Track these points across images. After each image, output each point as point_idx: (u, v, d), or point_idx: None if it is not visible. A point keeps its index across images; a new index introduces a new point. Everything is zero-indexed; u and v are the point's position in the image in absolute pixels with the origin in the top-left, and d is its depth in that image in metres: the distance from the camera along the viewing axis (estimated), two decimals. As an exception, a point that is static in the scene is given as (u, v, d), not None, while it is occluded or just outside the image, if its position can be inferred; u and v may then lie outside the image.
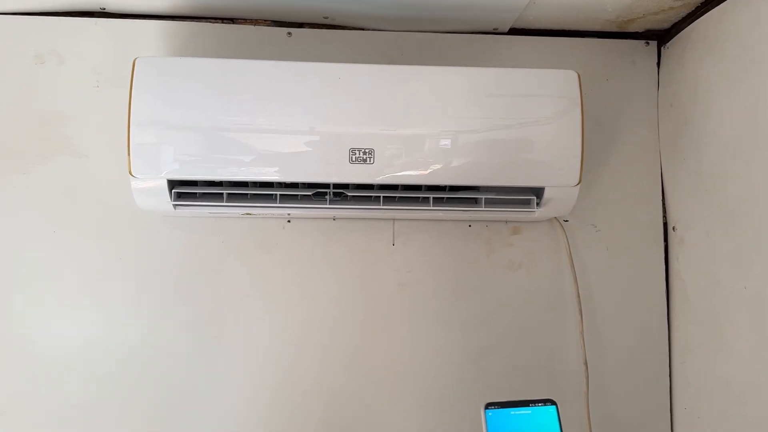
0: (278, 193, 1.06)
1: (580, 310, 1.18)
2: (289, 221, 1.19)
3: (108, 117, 1.15)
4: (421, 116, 1.04)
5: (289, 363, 1.16)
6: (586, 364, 1.17)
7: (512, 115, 1.05)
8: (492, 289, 1.20)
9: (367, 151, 1.02)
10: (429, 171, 1.04)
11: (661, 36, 1.26)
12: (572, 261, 1.20)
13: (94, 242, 1.15)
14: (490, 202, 1.09)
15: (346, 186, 1.07)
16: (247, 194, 1.07)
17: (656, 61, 1.27)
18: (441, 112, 1.04)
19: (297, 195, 1.07)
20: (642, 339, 1.21)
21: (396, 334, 1.18)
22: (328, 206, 1.08)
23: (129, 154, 0.99)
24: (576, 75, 1.06)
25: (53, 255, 1.14)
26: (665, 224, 1.24)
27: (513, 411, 0.61)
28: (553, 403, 0.62)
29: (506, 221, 1.22)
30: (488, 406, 0.62)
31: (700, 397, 1.12)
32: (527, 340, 1.19)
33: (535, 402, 0.62)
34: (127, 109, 0.99)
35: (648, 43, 1.27)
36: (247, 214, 1.13)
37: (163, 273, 1.16)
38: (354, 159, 1.02)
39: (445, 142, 1.04)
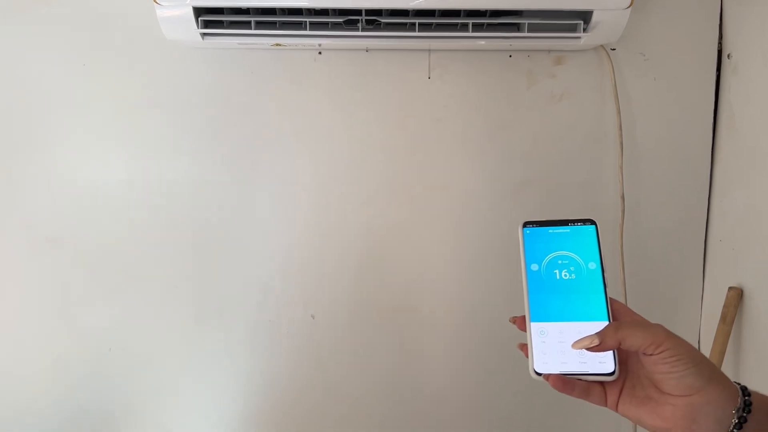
0: (308, 20, 1.01)
1: (621, 142, 1.15)
2: (320, 53, 1.15)
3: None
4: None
5: (324, 196, 1.18)
6: (623, 197, 1.16)
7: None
8: (531, 122, 1.17)
9: (401, -30, 0.94)
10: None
11: None
12: (616, 92, 1.15)
13: (125, 75, 1.13)
14: (533, 28, 1.02)
15: (379, 12, 1.01)
16: (275, 22, 1.02)
17: None
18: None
19: (328, 23, 1.02)
20: (683, 172, 1.19)
21: (432, 168, 1.18)
22: (360, 33, 1.02)
23: (151, -21, 0.94)
24: None
25: (85, 88, 1.14)
26: (719, 52, 1.16)
27: (551, 229, 0.61)
28: (592, 222, 0.61)
29: (549, 50, 1.15)
30: (526, 224, 0.61)
31: (737, 229, 1.12)
32: (565, 174, 1.18)
33: (574, 222, 0.61)
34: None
35: None
36: (277, 45, 1.09)
37: (194, 107, 1.15)
38: (387, -21, 0.95)
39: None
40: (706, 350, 1.15)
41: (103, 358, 1.21)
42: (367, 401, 1.24)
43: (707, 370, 0.49)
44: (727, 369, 1.10)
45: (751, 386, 0.51)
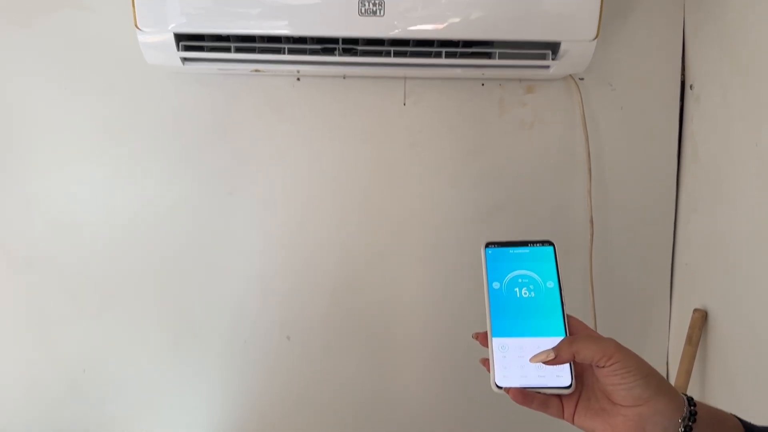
0: (286, 46, 1.04)
1: (590, 169, 1.19)
2: (298, 79, 1.18)
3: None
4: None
5: (301, 218, 1.20)
6: (591, 221, 1.20)
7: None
8: (502, 148, 1.21)
9: (377, 2, 0.98)
10: (442, 24, 1.01)
11: None
12: (585, 120, 1.19)
13: (105, 98, 1.15)
14: (504, 56, 1.06)
15: (355, 41, 1.04)
16: (255, 48, 1.05)
17: None
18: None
19: (306, 49, 1.05)
20: (649, 198, 1.23)
21: (406, 192, 1.21)
22: (337, 59, 1.05)
23: (133, 6, 0.97)
24: None
25: (66, 111, 1.15)
26: (683, 83, 1.21)
27: (512, 250, 0.63)
28: (551, 243, 0.64)
29: (520, 80, 1.20)
30: (488, 245, 0.64)
31: (701, 253, 1.16)
32: (535, 199, 1.21)
33: (533, 243, 0.64)
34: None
35: None
36: (256, 70, 1.12)
37: (174, 130, 1.17)
38: (363, 11, 0.98)
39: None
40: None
41: (79, 379, 1.21)
42: (343, 423, 1.25)
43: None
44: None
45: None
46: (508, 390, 0.57)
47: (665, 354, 1.25)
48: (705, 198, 1.15)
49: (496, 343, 0.60)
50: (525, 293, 0.62)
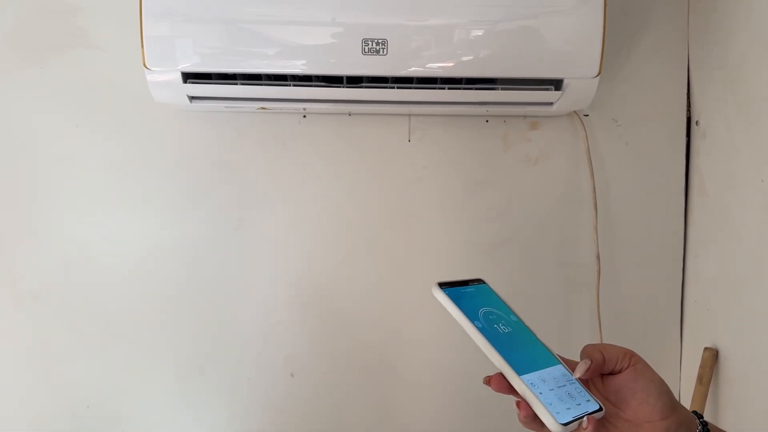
0: (292, 84, 1.05)
1: (595, 204, 1.19)
2: (304, 116, 1.19)
3: (123, 8, 1.14)
4: (438, 5, 1.01)
5: (306, 254, 1.20)
6: (598, 257, 1.18)
7: (532, 4, 1.01)
8: (507, 183, 1.21)
9: (380, 41, 1.00)
10: (446, 63, 1.02)
11: None
12: (590, 156, 1.19)
13: (114, 135, 1.17)
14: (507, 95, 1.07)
15: (359, 79, 1.05)
16: (261, 85, 1.06)
17: (691, -57, 1.19)
18: (459, 1, 1.01)
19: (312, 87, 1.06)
20: (657, 234, 1.22)
21: (411, 227, 1.20)
22: (342, 98, 1.07)
23: (142, 46, 0.99)
24: (601, -41, 1.00)
25: (74, 147, 1.17)
26: (689, 119, 1.21)
27: (463, 289, 0.63)
28: (483, 281, 0.64)
29: (524, 116, 1.20)
30: (441, 285, 0.63)
31: (711, 291, 1.14)
32: (541, 234, 1.21)
33: (470, 281, 0.64)
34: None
35: (683, -76, 1.19)
36: (263, 108, 1.14)
37: (181, 167, 1.18)
38: (366, 50, 1.00)
39: (463, 33, 1.01)
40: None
41: (82, 415, 1.20)
42: (346, 462, 1.23)
43: (671, 394, 0.52)
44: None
45: None
46: (580, 422, 0.54)
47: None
48: (713, 234, 1.13)
49: (527, 381, 0.55)
50: (504, 329, 0.60)
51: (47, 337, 1.19)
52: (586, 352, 0.55)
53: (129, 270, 1.19)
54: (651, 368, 0.54)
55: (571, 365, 0.57)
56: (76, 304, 1.19)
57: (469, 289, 0.63)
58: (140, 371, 1.20)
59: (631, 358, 0.53)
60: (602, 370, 0.56)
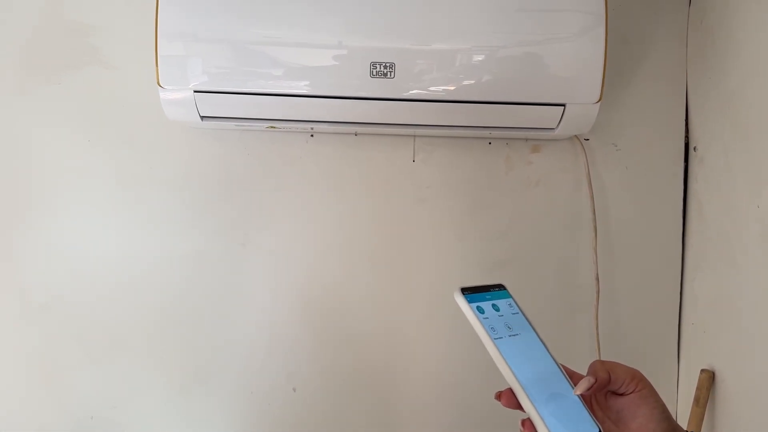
0: (299, 96, 1.08)
1: (595, 226, 1.21)
2: (312, 135, 1.22)
3: (136, 28, 1.18)
4: (444, 31, 1.04)
5: (310, 271, 1.22)
6: (597, 278, 1.21)
7: (535, 31, 1.04)
8: (509, 204, 1.23)
9: (387, 65, 1.03)
10: (450, 87, 1.05)
11: (697, -52, 1.22)
12: (590, 179, 1.22)
13: (125, 151, 1.20)
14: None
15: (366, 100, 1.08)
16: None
17: (690, -25, 1.23)
18: (464, 28, 1.04)
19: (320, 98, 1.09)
20: (655, 257, 1.24)
21: (414, 245, 1.23)
22: (350, 120, 1.10)
23: (157, 66, 1.02)
24: (602, -11, 1.04)
25: (88, 162, 1.20)
26: (687, 144, 1.24)
27: (483, 295, 0.65)
28: (503, 287, 0.66)
29: (526, 139, 1.23)
30: (464, 291, 0.65)
31: (707, 313, 1.16)
32: (541, 254, 1.23)
33: (490, 287, 0.66)
34: (155, 20, 1.01)
35: (682, -44, 1.23)
36: (272, 127, 1.16)
37: (190, 183, 1.21)
38: (374, 73, 1.03)
39: (468, 58, 1.04)
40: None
41: (86, 426, 1.22)
42: (345, 478, 1.24)
43: (672, 420, 0.53)
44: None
45: None
46: None
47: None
48: (710, 257, 1.16)
49: (534, 400, 0.56)
50: (518, 341, 0.61)
51: (53, 348, 1.21)
52: (593, 369, 0.56)
53: (135, 283, 1.21)
54: (656, 394, 0.55)
55: (576, 378, 0.58)
56: (82, 315, 1.21)
57: (489, 295, 0.64)
58: (144, 383, 1.22)
59: (639, 383, 0.54)
60: (607, 389, 0.57)
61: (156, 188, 1.21)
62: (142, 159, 1.20)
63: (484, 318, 0.62)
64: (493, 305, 0.64)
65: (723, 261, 1.10)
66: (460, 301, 0.63)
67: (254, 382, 1.23)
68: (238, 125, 1.16)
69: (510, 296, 0.66)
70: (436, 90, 1.05)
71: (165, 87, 1.05)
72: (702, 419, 1.10)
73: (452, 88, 1.05)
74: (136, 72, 1.19)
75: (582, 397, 0.57)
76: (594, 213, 1.21)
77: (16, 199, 1.20)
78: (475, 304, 0.63)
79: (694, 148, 1.22)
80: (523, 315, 0.64)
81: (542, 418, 0.55)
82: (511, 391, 0.58)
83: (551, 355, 0.61)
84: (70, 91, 1.19)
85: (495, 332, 0.61)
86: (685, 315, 1.23)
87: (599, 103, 1.07)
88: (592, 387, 0.55)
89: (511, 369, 0.59)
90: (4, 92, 1.19)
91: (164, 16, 1.02)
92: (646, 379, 0.55)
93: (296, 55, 1.04)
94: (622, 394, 0.55)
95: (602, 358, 1.17)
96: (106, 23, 1.19)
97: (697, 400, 1.11)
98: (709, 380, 1.11)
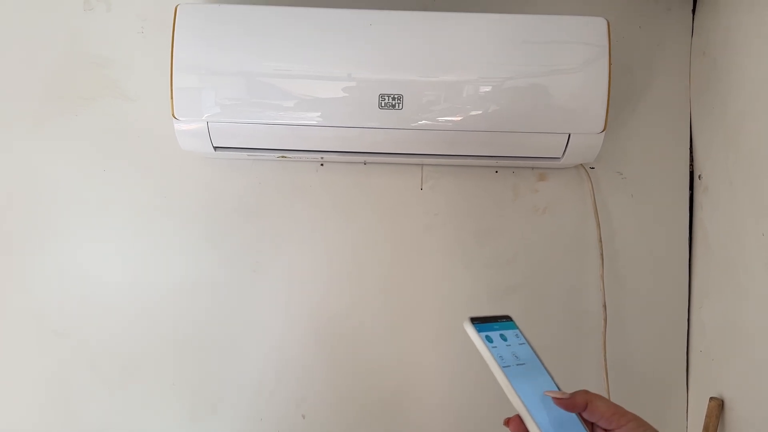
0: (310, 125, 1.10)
1: (602, 254, 1.22)
2: (322, 164, 1.25)
3: (152, 61, 1.22)
4: (451, 63, 1.07)
5: (320, 298, 1.24)
6: (605, 306, 1.21)
7: (540, 62, 1.06)
8: (516, 232, 1.25)
9: (396, 96, 1.05)
10: (457, 117, 1.08)
11: (698, -19, 1.24)
12: (596, 207, 1.23)
13: (141, 181, 1.23)
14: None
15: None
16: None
17: (692, 7, 1.25)
18: (471, 60, 1.07)
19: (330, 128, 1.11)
20: (662, 284, 1.25)
21: (423, 272, 1.24)
22: (359, 150, 1.12)
23: (172, 98, 1.05)
24: (605, 22, 1.06)
25: (100, 191, 1.23)
26: (691, 173, 1.25)
27: (491, 325, 0.67)
28: (509, 318, 0.68)
29: (533, 168, 1.25)
30: (474, 320, 0.67)
31: (715, 341, 1.16)
32: (548, 282, 1.24)
33: (496, 318, 0.68)
34: (170, 54, 1.04)
35: (684, -11, 1.25)
36: (283, 157, 1.19)
37: (204, 211, 1.23)
38: (383, 104, 1.06)
39: (475, 90, 1.07)
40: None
41: (95, 452, 1.23)
42: (354, 506, 1.24)
43: None
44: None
45: None
46: None
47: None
48: (717, 285, 1.16)
49: (542, 428, 0.59)
50: (524, 369, 0.64)
51: (67, 375, 1.23)
52: (576, 393, 0.59)
53: (148, 311, 1.23)
54: (644, 426, 0.56)
55: (562, 403, 0.60)
56: (96, 343, 1.23)
57: (497, 325, 0.67)
58: (156, 409, 1.23)
59: (621, 418, 0.56)
60: (585, 418, 0.59)
61: (170, 217, 1.23)
62: (157, 189, 1.23)
63: (493, 347, 0.65)
64: (501, 335, 0.66)
65: (730, 288, 1.11)
66: (470, 330, 0.66)
67: (264, 409, 1.24)
68: (250, 155, 1.19)
69: (517, 327, 0.68)
70: (444, 120, 1.08)
71: (179, 118, 1.08)
72: (712, 448, 1.10)
73: (459, 118, 1.08)
74: (152, 104, 1.22)
75: (585, 424, 0.59)
76: (600, 240, 1.23)
77: (33, 228, 1.23)
78: (484, 334, 0.66)
79: (699, 177, 1.23)
80: (530, 345, 0.66)
81: None
82: (519, 417, 0.61)
83: (556, 384, 0.64)
84: (87, 122, 1.23)
85: (503, 360, 0.64)
86: (693, 342, 1.24)
87: (604, 132, 1.09)
88: (561, 399, 0.57)
89: (519, 396, 0.61)
90: (23, 123, 1.23)
91: (179, 50, 1.05)
92: (632, 414, 0.56)
93: (307, 87, 1.07)
94: (611, 431, 0.57)
95: (610, 386, 1.18)
96: (123, 56, 1.23)
97: (706, 428, 1.11)
98: (718, 408, 1.11)
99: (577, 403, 0.57)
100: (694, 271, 1.24)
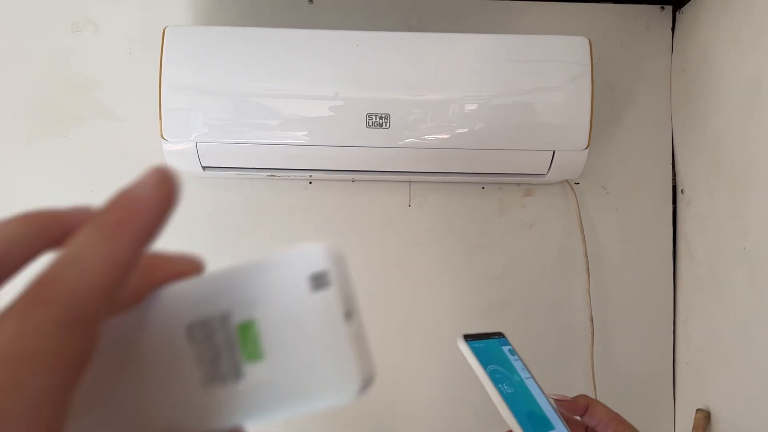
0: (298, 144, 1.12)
1: (588, 268, 1.24)
2: (310, 182, 1.26)
3: (140, 82, 1.22)
4: (437, 82, 1.08)
5: (310, 315, 1.24)
6: (591, 319, 1.23)
7: (524, 81, 1.08)
8: (503, 247, 1.26)
9: (383, 116, 1.07)
10: (444, 135, 1.09)
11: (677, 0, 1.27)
12: (581, 222, 1.25)
13: (130, 201, 1.23)
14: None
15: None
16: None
17: (671, 25, 1.28)
18: (457, 79, 1.09)
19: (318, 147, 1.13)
20: (647, 297, 1.26)
21: (411, 288, 1.25)
22: (346, 168, 1.14)
23: (160, 118, 1.06)
24: (587, 41, 1.09)
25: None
26: (674, 187, 1.28)
27: (484, 342, 0.68)
28: (502, 335, 0.69)
29: (518, 184, 1.27)
30: (467, 337, 0.68)
31: (701, 353, 1.18)
32: (536, 296, 1.25)
33: (490, 335, 0.69)
34: (158, 75, 1.05)
35: (663, 8, 1.28)
36: (271, 175, 1.20)
37: (193, 229, 1.23)
38: (370, 123, 1.07)
39: (461, 108, 1.09)
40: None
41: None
42: None
43: None
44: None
45: None
46: None
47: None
48: (701, 297, 1.18)
49: None
50: (517, 386, 0.65)
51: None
52: (577, 396, 0.60)
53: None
54: None
55: (569, 421, 0.61)
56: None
57: (491, 342, 0.68)
58: None
59: (618, 425, 0.57)
60: (585, 423, 0.60)
61: (159, 237, 1.23)
62: (145, 208, 1.23)
63: (486, 363, 0.65)
64: (494, 351, 0.67)
65: (714, 301, 1.13)
66: (463, 347, 0.67)
67: (252, 428, 1.23)
68: (238, 174, 1.20)
69: (509, 343, 0.69)
70: (431, 138, 1.09)
71: (168, 139, 1.09)
72: (699, 459, 1.11)
73: (446, 136, 1.09)
74: (140, 124, 1.23)
75: None
76: (586, 255, 1.24)
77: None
78: (477, 350, 0.67)
79: (682, 191, 1.26)
80: (521, 361, 0.67)
81: None
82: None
83: (547, 398, 0.65)
84: (76, 142, 1.23)
85: (496, 377, 0.65)
86: (679, 355, 1.25)
87: (587, 149, 1.11)
88: (563, 401, 0.59)
89: (510, 411, 0.62)
90: (11, 143, 1.23)
91: (167, 71, 1.06)
92: (627, 423, 0.58)
93: (295, 107, 1.08)
94: None
95: (598, 398, 1.19)
96: (111, 77, 1.24)
97: (693, 439, 1.12)
98: (704, 420, 1.12)
99: (578, 405, 0.59)
100: (678, 284, 1.26)
